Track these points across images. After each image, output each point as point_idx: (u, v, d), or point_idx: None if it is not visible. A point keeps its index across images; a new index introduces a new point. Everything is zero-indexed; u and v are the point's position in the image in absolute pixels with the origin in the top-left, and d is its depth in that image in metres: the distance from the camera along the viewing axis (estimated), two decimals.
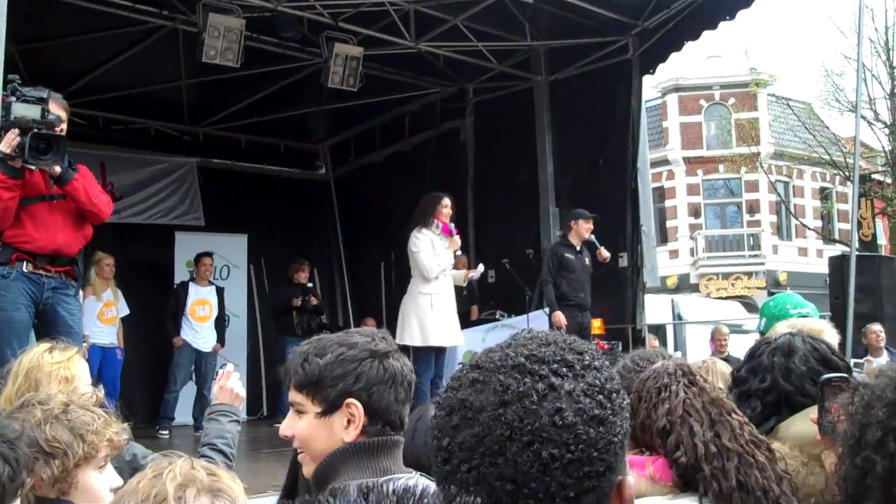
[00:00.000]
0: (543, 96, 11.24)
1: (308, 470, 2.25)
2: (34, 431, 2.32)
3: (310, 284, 12.10)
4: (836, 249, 24.58)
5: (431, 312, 7.98)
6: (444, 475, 1.17)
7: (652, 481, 2.03)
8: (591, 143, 10.86)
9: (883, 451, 1.24)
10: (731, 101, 32.53)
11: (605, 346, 9.68)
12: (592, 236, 9.37)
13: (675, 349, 15.68)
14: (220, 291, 11.19)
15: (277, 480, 3.62)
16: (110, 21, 9.72)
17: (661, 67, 10.91)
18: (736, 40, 40.58)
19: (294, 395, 2.27)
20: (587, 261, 9.41)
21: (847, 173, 24.46)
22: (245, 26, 9.28)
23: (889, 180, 24.48)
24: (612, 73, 10.65)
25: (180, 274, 11.86)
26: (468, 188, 12.20)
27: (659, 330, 15.29)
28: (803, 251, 33.59)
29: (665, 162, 32.61)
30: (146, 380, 11.44)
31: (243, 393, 3.36)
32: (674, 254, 33.00)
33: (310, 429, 2.24)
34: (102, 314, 10.11)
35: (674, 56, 10.58)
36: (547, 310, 9.54)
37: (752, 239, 32.71)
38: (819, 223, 33.31)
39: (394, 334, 7.86)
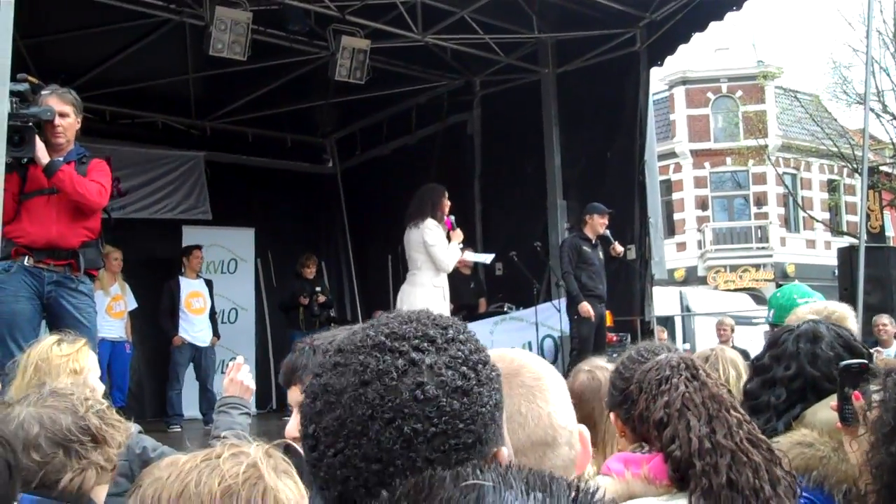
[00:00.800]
0: (551, 89, 11.22)
1: None
2: (80, 418, 2.26)
3: (317, 279, 12.10)
4: (845, 241, 24.51)
5: (444, 305, 7.85)
6: (312, 463, 1.16)
7: (647, 481, 2.01)
8: (598, 136, 10.83)
9: None
10: (739, 93, 32.45)
11: (614, 338, 9.68)
12: (607, 231, 9.38)
13: (684, 341, 15.67)
14: (209, 284, 11.23)
15: None
16: (117, 15, 9.72)
17: (668, 60, 10.89)
18: (743, 33, 40.49)
19: (294, 394, 2.25)
20: (601, 255, 9.42)
21: (855, 165, 24.34)
22: (252, 19, 9.28)
23: None
24: (619, 66, 10.63)
25: None
26: (475, 181, 12.20)
27: (667, 322, 15.25)
28: (811, 243, 33.51)
29: (672, 154, 32.55)
30: (155, 373, 11.48)
31: (253, 385, 3.35)
32: (681, 246, 32.95)
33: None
34: (111, 308, 10.15)
35: (681, 48, 10.54)
36: (556, 302, 9.52)
37: (759, 231, 32.64)
38: (827, 215, 33.22)
39: None
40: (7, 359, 4.12)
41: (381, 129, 13.62)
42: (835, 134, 26.55)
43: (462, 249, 8.02)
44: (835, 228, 31.62)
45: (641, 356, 2.67)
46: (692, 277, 31.89)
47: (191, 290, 10.93)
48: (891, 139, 24.20)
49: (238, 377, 3.31)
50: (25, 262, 5.28)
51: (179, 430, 10.24)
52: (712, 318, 14.40)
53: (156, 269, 11.48)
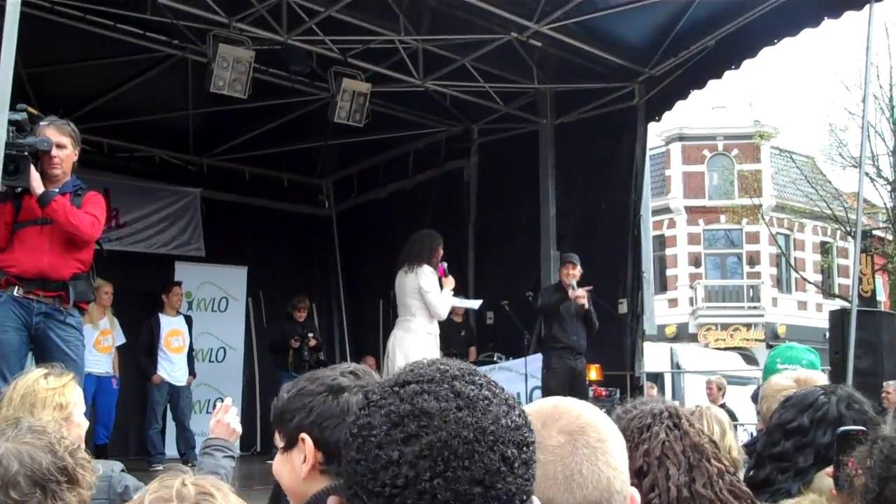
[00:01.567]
0: (548, 139, 11.26)
1: None
2: (58, 458, 2.21)
3: (307, 321, 12.02)
4: (836, 304, 24.52)
5: (437, 353, 7.70)
6: (393, 493, 1.12)
7: None
8: (593, 188, 10.87)
9: None
10: (735, 152, 32.68)
11: (604, 393, 9.61)
12: (574, 281, 9.27)
13: (673, 398, 15.59)
14: (188, 320, 11.11)
15: None
16: (121, 48, 9.78)
17: (665, 115, 10.94)
18: (741, 92, 40.86)
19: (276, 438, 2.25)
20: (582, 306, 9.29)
21: (848, 228, 24.48)
22: (254, 58, 9.32)
23: (890, 237, 24.47)
24: (617, 119, 10.68)
25: None
26: (470, 228, 12.21)
27: (657, 378, 15.20)
28: (803, 304, 33.57)
29: (667, 210, 32.69)
30: (141, 410, 11.32)
31: (239, 428, 3.31)
32: (673, 302, 32.98)
33: (277, 464, 2.22)
34: (98, 342, 10.04)
35: (679, 105, 10.61)
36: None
37: (751, 290, 32.70)
38: (819, 277, 33.31)
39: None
40: None
41: (378, 173, 13.65)
42: (829, 196, 26.70)
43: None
44: (827, 291, 31.69)
45: (634, 408, 2.65)
46: (683, 334, 31.88)
47: (171, 328, 10.78)
48: (884, 203, 24.33)
49: (225, 419, 3.28)
50: (15, 293, 5.23)
51: (161, 468, 10.09)
52: (702, 376, 14.35)
53: (144, 304, 11.39)
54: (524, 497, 1.14)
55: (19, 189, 5.18)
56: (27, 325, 5.26)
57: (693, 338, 31.55)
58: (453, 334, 10.47)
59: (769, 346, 23.00)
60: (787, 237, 33.31)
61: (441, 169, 12.76)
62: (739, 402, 12.59)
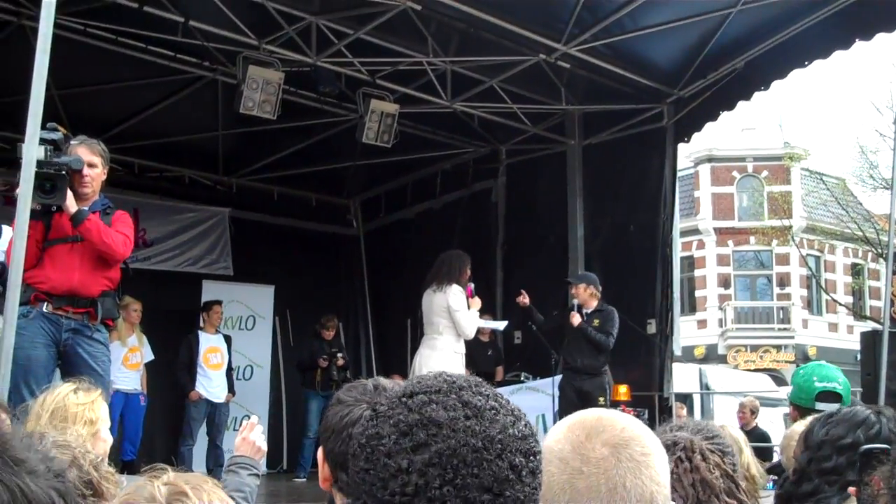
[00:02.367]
0: (576, 160, 11.23)
1: None
2: (84, 472, 2.23)
3: (335, 340, 12.04)
4: (867, 326, 24.28)
5: (463, 372, 7.68)
6: (403, 501, 1.14)
7: None
8: (622, 209, 10.83)
9: None
10: (764, 173, 32.50)
11: (633, 413, 9.54)
12: (575, 301, 9.21)
13: (703, 419, 15.47)
14: (227, 339, 11.19)
15: None
16: (151, 70, 9.89)
17: (695, 137, 10.91)
18: (770, 113, 40.68)
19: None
20: (591, 326, 9.10)
21: (880, 250, 24.28)
22: (284, 80, 9.38)
23: None
24: (645, 140, 10.65)
25: None
26: (498, 249, 12.20)
27: (686, 399, 15.09)
28: (833, 326, 33.25)
29: (696, 231, 32.54)
30: (168, 427, 11.41)
31: (265, 447, 3.32)
32: (702, 324, 32.76)
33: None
34: (127, 359, 10.12)
35: (708, 126, 10.58)
36: None
37: (781, 312, 32.44)
38: (850, 299, 33.00)
39: None
40: (19, 404, 4.10)
41: (405, 193, 13.68)
42: (860, 218, 26.50)
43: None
44: (858, 313, 31.39)
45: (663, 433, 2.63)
46: (712, 355, 31.64)
47: (209, 345, 10.90)
48: None
49: (251, 437, 3.28)
50: (44, 309, 5.28)
51: None
52: (732, 396, 14.23)
53: (173, 322, 11.48)
54: None
55: (54, 208, 5.23)
56: (56, 342, 5.31)
57: (722, 359, 31.32)
58: (480, 353, 10.45)
59: None
60: (817, 259, 33.05)
61: (469, 189, 12.77)
62: (770, 424, 12.47)
